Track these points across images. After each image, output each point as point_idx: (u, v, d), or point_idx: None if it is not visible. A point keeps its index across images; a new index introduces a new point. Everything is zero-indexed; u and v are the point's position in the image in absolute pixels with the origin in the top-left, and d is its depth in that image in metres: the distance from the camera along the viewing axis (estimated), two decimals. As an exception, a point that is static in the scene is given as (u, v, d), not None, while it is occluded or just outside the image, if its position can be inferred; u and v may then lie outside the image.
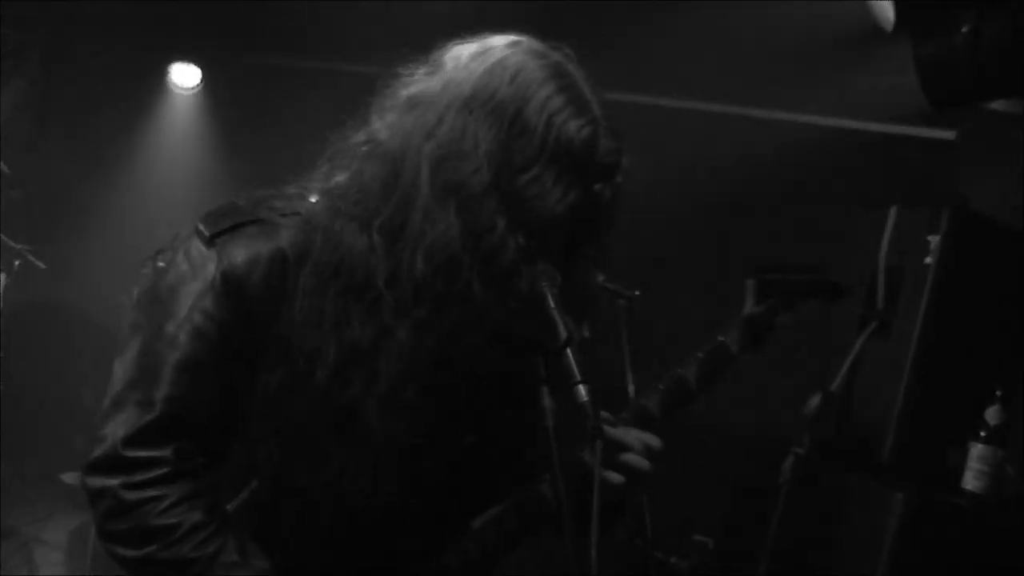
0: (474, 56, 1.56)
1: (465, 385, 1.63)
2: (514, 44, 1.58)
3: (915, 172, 3.52)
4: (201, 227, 1.60)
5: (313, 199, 1.62)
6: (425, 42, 1.62)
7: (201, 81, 6.47)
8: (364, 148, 1.58)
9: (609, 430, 1.70)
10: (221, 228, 1.59)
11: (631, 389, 3.06)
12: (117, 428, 1.54)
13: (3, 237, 5.03)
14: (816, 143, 3.88)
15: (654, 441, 1.74)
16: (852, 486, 2.89)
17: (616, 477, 1.70)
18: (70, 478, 5.04)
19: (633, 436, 1.73)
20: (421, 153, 1.50)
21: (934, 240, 2.83)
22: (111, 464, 1.54)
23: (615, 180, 1.58)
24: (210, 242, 1.58)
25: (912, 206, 3.01)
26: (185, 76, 6.48)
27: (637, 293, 3.10)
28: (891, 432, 2.81)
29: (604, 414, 1.76)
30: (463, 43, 1.61)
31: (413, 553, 1.74)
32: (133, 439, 1.54)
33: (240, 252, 1.56)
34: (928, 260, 2.84)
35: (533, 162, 1.50)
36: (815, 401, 2.95)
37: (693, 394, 1.84)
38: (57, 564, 4.71)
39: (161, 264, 1.62)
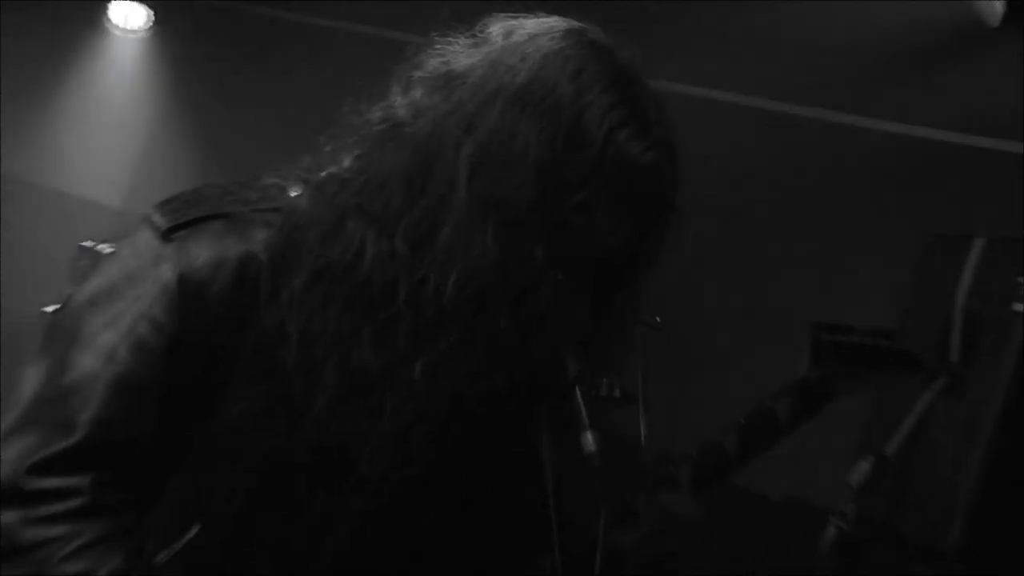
0: (529, 38, 1.41)
1: (465, 435, 1.49)
2: (576, 33, 1.42)
3: (1008, 197, 3.24)
4: (156, 218, 1.44)
5: (295, 192, 1.47)
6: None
7: (150, 24, 6.12)
8: (380, 128, 1.43)
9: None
10: (180, 221, 1.43)
11: (643, 433, 2.76)
12: (19, 452, 1.37)
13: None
14: (893, 153, 3.67)
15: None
16: (905, 574, 2.73)
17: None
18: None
19: None
20: (459, 151, 1.35)
21: (1027, 282, 2.71)
22: (6, 494, 1.35)
23: (670, 218, 1.43)
24: (166, 237, 1.42)
25: (1001, 238, 2.84)
26: (129, 16, 6.11)
27: (658, 320, 2.80)
28: (958, 514, 2.63)
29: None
30: (514, 17, 1.46)
31: None
32: (40, 466, 1.35)
33: (203, 252, 1.41)
34: (1018, 306, 2.66)
35: (585, 183, 1.36)
36: (865, 466, 2.62)
37: (731, 466, 1.83)
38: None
39: (102, 259, 1.49)
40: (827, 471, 2.74)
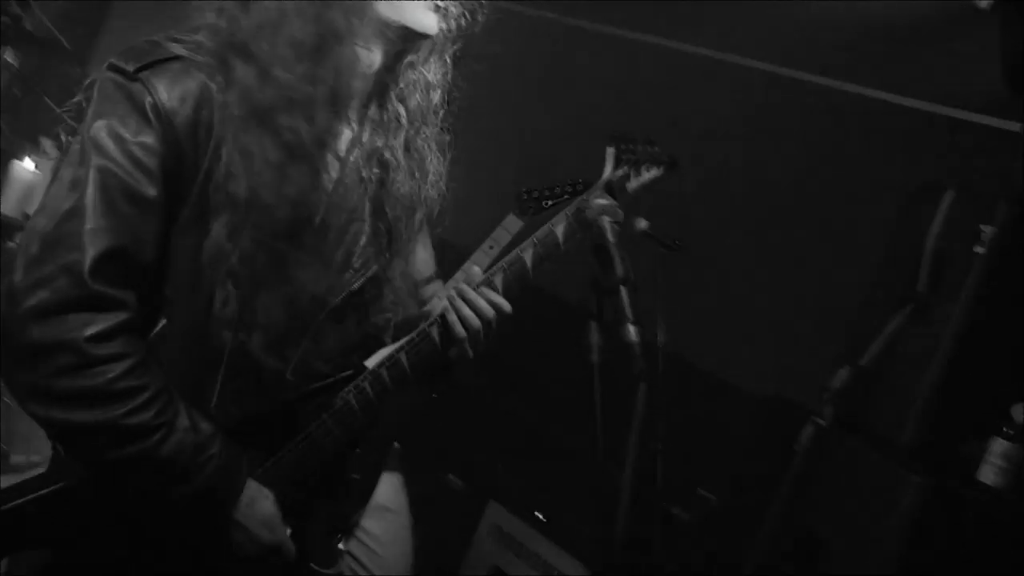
0: None
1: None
2: None
3: (977, 159, 3.42)
4: (120, 63, 1.54)
5: (210, 44, 1.62)
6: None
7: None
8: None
9: (465, 289, 1.78)
10: (144, 62, 1.54)
11: (660, 338, 3.05)
12: (75, 257, 1.41)
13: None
14: (883, 118, 3.79)
15: (506, 306, 1.81)
16: (868, 463, 2.83)
17: (460, 331, 1.78)
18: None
19: (489, 296, 1.79)
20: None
21: (988, 230, 2.77)
22: (75, 303, 1.42)
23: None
24: (133, 77, 1.52)
25: (968, 193, 2.94)
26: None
27: (678, 243, 3.05)
28: (914, 416, 2.77)
29: (476, 269, 1.84)
30: None
31: (316, 390, 1.76)
32: (98, 270, 1.43)
33: (166, 86, 1.53)
34: (978, 249, 2.78)
35: None
36: (843, 374, 2.90)
37: (529, 276, 1.87)
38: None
39: (82, 107, 1.57)
40: (811, 377, 3.01)
